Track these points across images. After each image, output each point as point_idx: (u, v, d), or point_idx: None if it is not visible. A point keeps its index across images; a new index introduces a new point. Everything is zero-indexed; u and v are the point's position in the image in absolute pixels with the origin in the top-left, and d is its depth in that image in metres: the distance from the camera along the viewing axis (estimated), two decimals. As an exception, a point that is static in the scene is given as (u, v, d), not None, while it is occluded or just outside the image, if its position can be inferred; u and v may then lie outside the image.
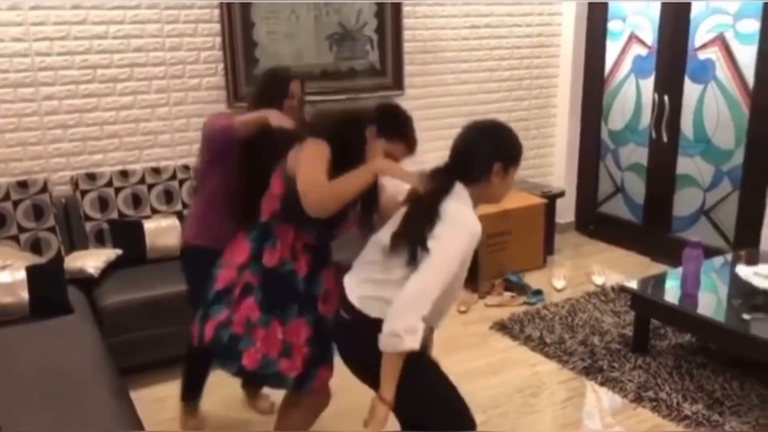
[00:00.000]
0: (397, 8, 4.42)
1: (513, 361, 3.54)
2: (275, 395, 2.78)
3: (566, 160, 5.40)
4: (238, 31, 3.96)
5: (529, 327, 3.85)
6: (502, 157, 2.00)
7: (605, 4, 5.09)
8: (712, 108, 4.49)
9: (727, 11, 4.32)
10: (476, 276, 4.26)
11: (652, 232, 4.94)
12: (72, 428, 2.09)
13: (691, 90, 4.59)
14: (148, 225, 3.56)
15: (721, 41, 4.38)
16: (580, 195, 5.49)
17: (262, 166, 2.34)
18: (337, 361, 2.19)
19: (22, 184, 3.47)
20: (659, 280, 3.72)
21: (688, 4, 4.51)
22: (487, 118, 2.14)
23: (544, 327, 3.84)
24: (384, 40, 4.44)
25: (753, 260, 3.68)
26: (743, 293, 3.32)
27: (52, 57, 3.59)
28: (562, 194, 5.11)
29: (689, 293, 3.37)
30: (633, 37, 4.96)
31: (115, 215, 3.62)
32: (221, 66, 3.99)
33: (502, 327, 3.86)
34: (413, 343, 1.81)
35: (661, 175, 4.84)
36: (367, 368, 1.95)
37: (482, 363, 3.51)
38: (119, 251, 3.46)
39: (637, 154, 5.04)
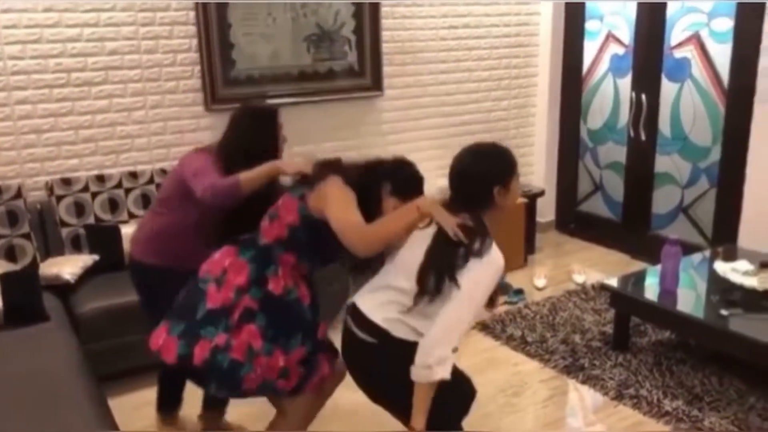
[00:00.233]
0: (375, 9, 4.41)
1: (495, 361, 3.54)
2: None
3: (546, 159, 5.42)
4: (214, 33, 3.93)
5: (511, 326, 3.85)
6: (496, 180, 2.05)
7: (582, 4, 5.12)
8: (689, 106, 4.53)
9: (702, 10, 4.36)
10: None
11: (632, 229, 4.97)
12: (48, 437, 2.06)
13: (667, 88, 4.63)
14: (126, 230, 3.49)
15: (696, 40, 4.42)
16: (560, 194, 5.51)
17: (257, 209, 2.29)
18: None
19: (-4, 190, 3.41)
20: (639, 278, 3.75)
21: (664, 4, 4.55)
22: (467, 145, 2.14)
23: (525, 326, 3.85)
24: (362, 41, 4.41)
25: (731, 256, 3.72)
26: (721, 289, 3.36)
27: (25, 60, 3.53)
28: (542, 193, 5.13)
29: (668, 290, 3.39)
30: (610, 37, 4.99)
31: (91, 220, 3.58)
32: (198, 68, 3.95)
33: (484, 327, 3.87)
34: (444, 373, 1.90)
35: (640, 173, 4.88)
36: (391, 390, 2.01)
37: (465, 364, 3.39)
38: (96, 257, 3.42)
39: (615, 152, 5.08)
